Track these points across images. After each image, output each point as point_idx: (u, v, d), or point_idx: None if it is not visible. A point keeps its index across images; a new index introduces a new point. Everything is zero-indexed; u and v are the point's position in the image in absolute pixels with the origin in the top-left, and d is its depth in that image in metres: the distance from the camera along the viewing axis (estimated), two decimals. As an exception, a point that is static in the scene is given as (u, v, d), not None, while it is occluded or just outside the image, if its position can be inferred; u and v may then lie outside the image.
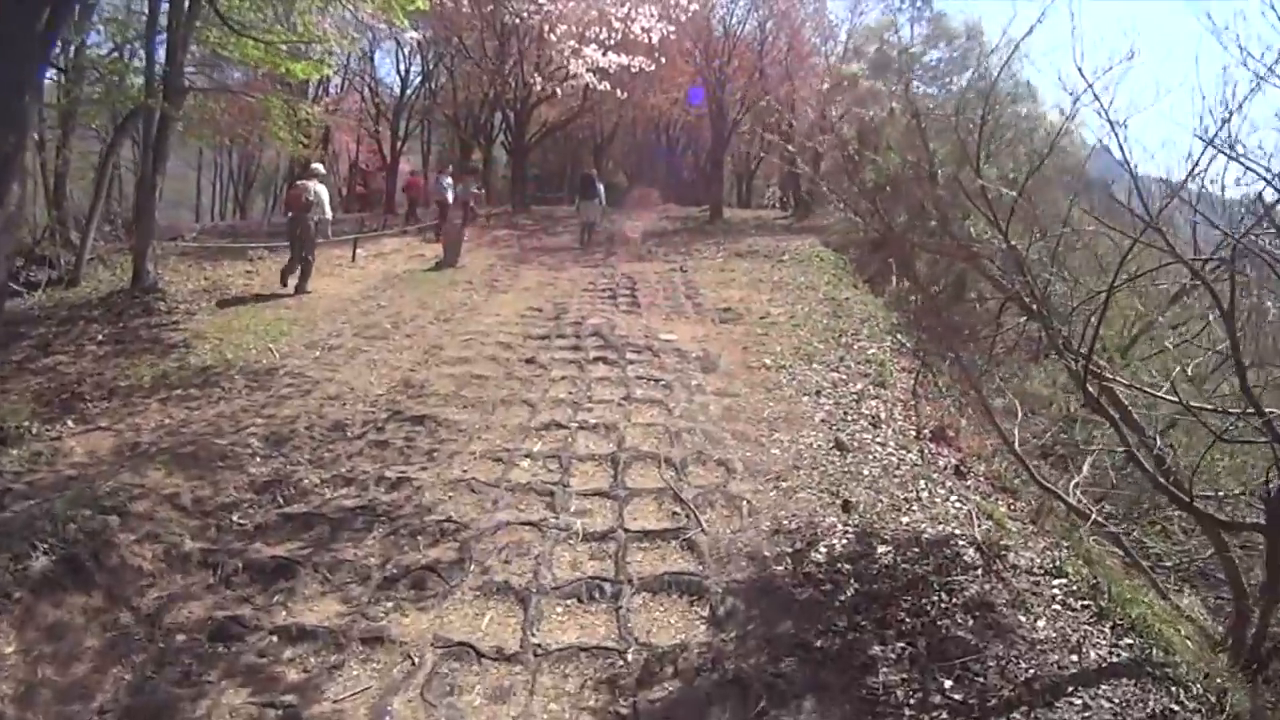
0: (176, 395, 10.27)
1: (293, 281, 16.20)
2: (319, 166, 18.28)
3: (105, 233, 24.29)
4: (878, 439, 9.13)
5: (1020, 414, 8.34)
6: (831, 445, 8.72)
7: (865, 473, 8.09)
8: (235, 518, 7.17)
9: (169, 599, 6.00)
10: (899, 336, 13.98)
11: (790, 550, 6.44)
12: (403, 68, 42.34)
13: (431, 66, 41.90)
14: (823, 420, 9.50)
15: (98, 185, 17.49)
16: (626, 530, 6.76)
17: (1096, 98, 6.27)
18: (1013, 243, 7.18)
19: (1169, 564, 9.43)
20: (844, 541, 6.55)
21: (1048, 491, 7.36)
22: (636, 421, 9.20)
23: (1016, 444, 7.57)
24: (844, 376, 11.27)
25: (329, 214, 16.94)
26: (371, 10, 15.07)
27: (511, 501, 7.30)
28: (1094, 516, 6.93)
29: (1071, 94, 6.47)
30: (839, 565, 6.19)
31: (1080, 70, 6.36)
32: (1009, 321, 9.37)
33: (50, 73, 18.13)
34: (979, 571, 6.03)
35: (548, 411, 9.52)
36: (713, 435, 8.84)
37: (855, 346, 12.86)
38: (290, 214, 16.64)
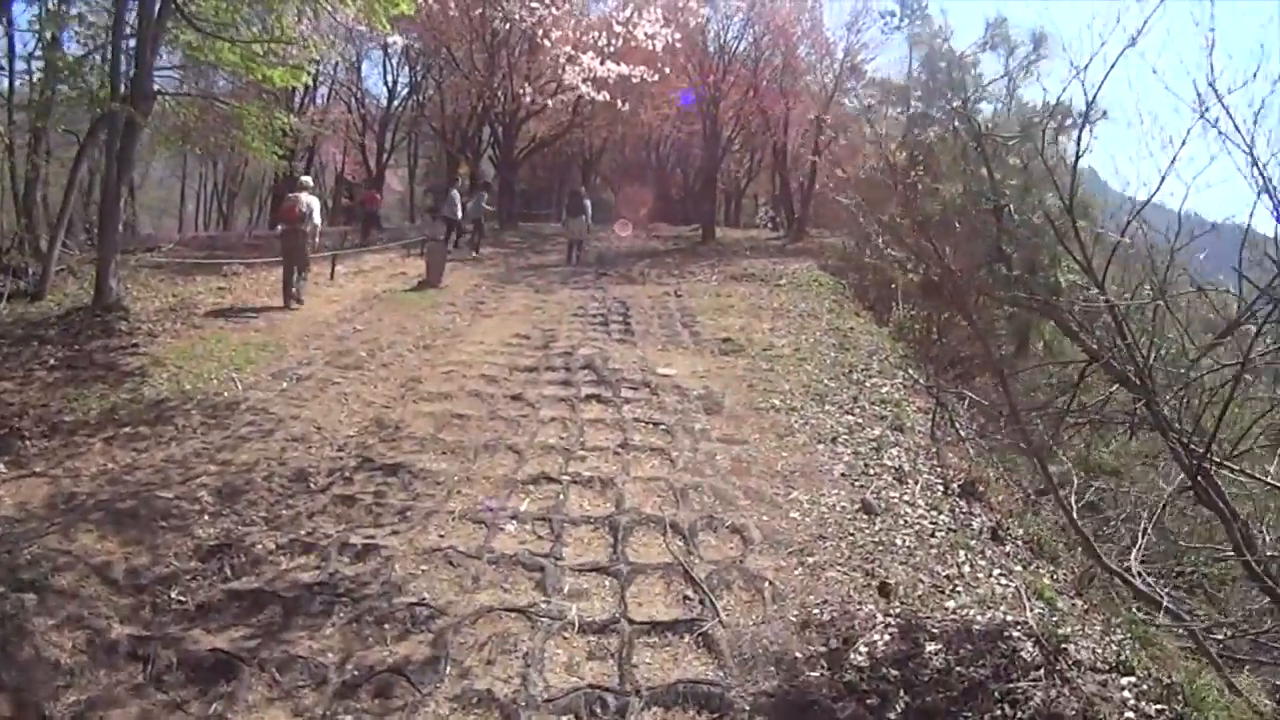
0: (124, 434, 9.30)
1: (300, 293, 16.14)
2: (308, 179, 18.31)
3: (80, 242, 23.84)
4: (905, 497, 8.24)
5: (1075, 481, 7.41)
6: (857, 507, 7.83)
7: (898, 542, 7.17)
8: (174, 594, 6.24)
9: (88, 704, 5.03)
10: (910, 372, 13.23)
11: (825, 650, 5.50)
12: (390, 79, 41.69)
13: (419, 78, 41.28)
14: (843, 474, 8.60)
15: (66, 193, 16.48)
16: (631, 621, 5.77)
17: (1236, 126, 5.22)
18: (1109, 298, 6.17)
19: (1220, 636, 8.50)
20: (886, 638, 5.60)
21: (1120, 579, 6.40)
22: (636, 474, 8.24)
23: (1074, 512, 6.64)
24: (859, 420, 10.36)
25: (318, 223, 16.65)
26: (353, 13, 14.18)
27: (495, 578, 6.32)
28: (1165, 603, 6.03)
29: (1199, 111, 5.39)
30: (884, 670, 5.24)
31: (1214, 89, 5.30)
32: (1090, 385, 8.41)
33: (20, 75, 17.58)
34: (1040, 672, 5.13)
35: (536, 460, 8.56)
36: (723, 493, 7.88)
37: (867, 384, 12.01)
38: (283, 227, 16.67)
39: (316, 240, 17.00)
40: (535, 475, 8.16)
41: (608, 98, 16.03)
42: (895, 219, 9.11)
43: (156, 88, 14.84)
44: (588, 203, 25.87)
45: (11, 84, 18.12)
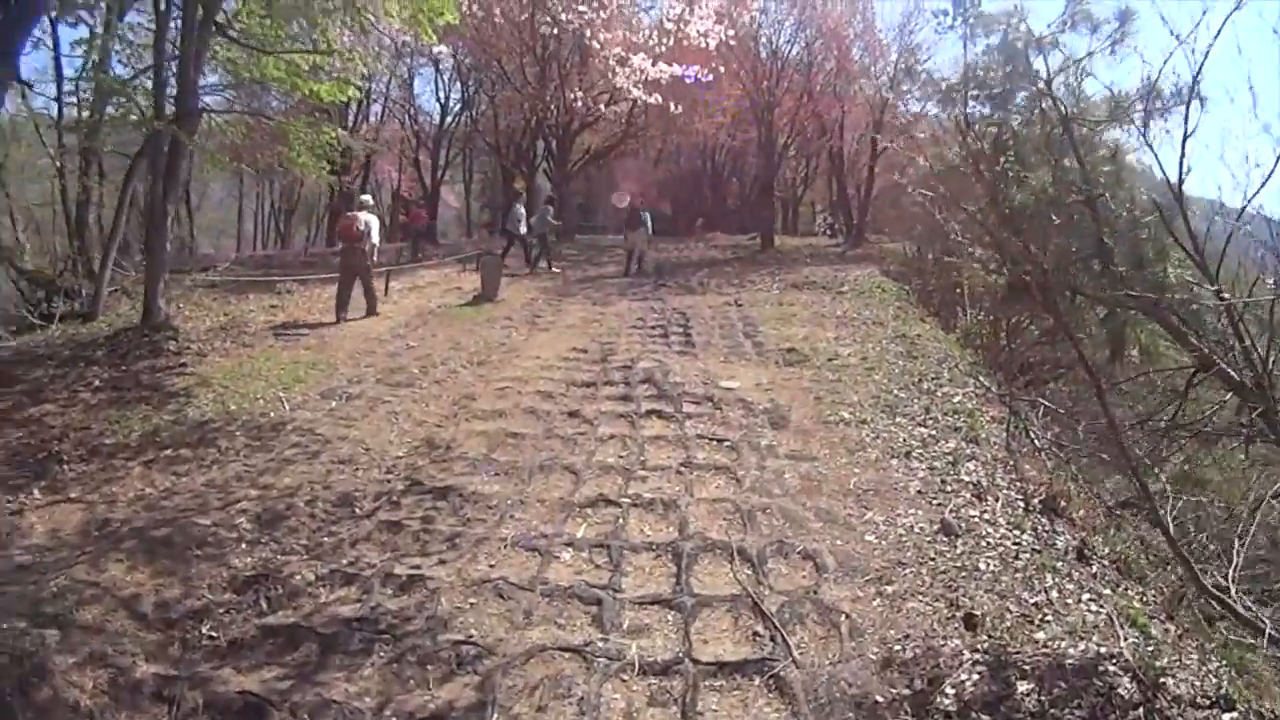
0: (165, 457, 9.00)
1: (356, 310, 16.15)
2: (367, 198, 18.43)
3: (135, 263, 23.87)
4: (985, 515, 7.57)
5: (1170, 497, 6.71)
6: (936, 527, 7.20)
7: (982, 566, 6.56)
8: (205, 629, 5.85)
9: (104, 752, 4.55)
10: (981, 380, 12.44)
11: (909, 692, 4.93)
12: (442, 95, 41.56)
13: (471, 93, 41.05)
14: (919, 492, 7.96)
15: (117, 213, 16.38)
16: (696, 661, 5.22)
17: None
18: (1226, 296, 5.47)
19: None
20: (975, 677, 5.01)
21: (1219, 603, 5.71)
22: (700, 496, 7.67)
23: (1171, 530, 5.97)
24: (933, 433, 9.67)
25: (376, 241, 16.61)
26: (398, 24, 13.79)
27: (548, 613, 5.80)
28: (1269, 629, 5.36)
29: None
30: (974, 715, 4.69)
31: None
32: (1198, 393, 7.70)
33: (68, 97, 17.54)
34: (1139, 712, 4.64)
35: (594, 481, 8.02)
36: (793, 515, 7.30)
37: (938, 393, 11.28)
38: (341, 245, 16.57)
39: (375, 259, 16.96)
40: (593, 498, 7.63)
41: (660, 100, 15.42)
42: (978, 213, 8.36)
43: (202, 105, 14.56)
44: (647, 214, 25.41)
45: (60, 107, 18.12)
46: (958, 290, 19.92)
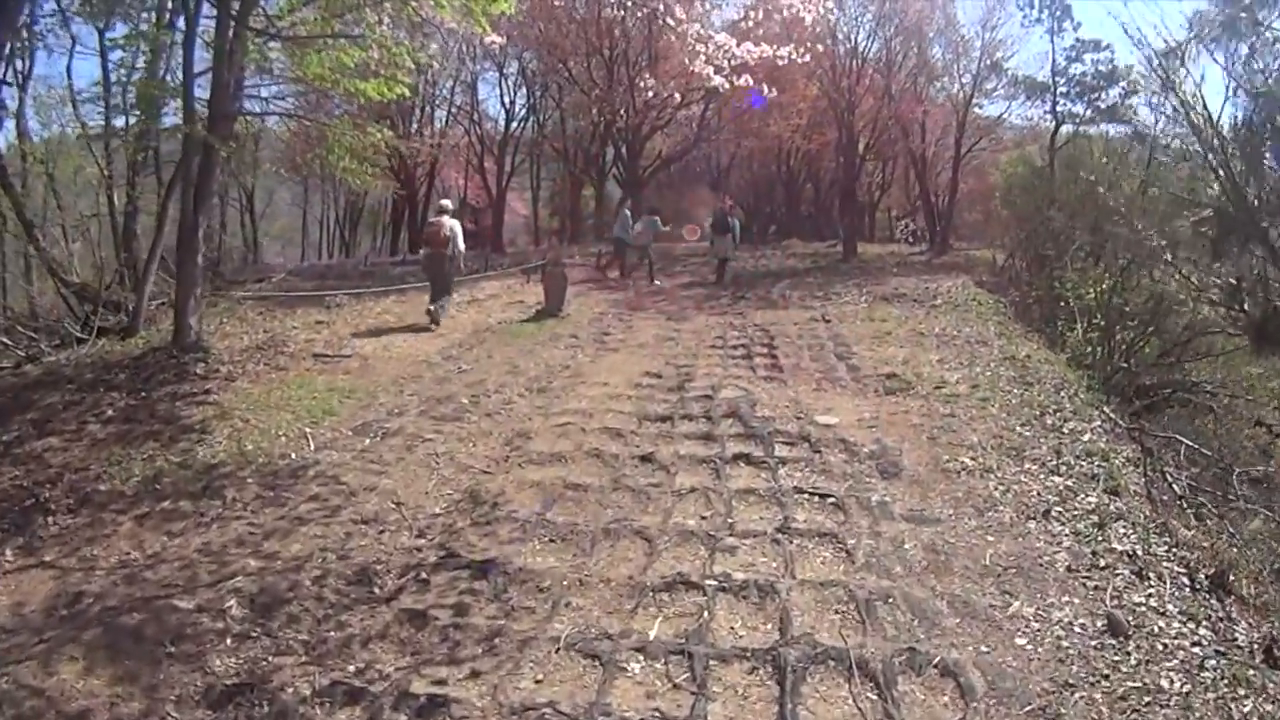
0: (161, 511, 7.65)
1: (440, 317, 15.81)
2: (449, 203, 18.21)
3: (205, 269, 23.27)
4: (1152, 600, 5.94)
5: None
6: (1101, 625, 5.57)
7: (1164, 684, 4.95)
8: (161, 767, 4.27)
9: None
10: (1107, 411, 10.81)
11: None
12: (507, 100, 40.43)
13: (537, 97, 39.94)
14: (1069, 569, 6.31)
15: (158, 224, 15.36)
16: None
17: None
18: None
19: None
20: None
21: None
22: (804, 576, 6.04)
23: None
24: (1069, 483, 7.99)
25: (462, 248, 16.47)
26: (448, 15, 12.38)
27: (611, 762, 4.17)
28: None
29: None
30: None
31: None
32: None
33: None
34: None
35: (671, 553, 6.40)
36: (922, 606, 5.66)
37: (1065, 429, 9.58)
38: (425, 251, 16.55)
39: (461, 265, 16.96)
40: (669, 578, 6.00)
41: (750, 82, 13.86)
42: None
43: (237, 108, 13.33)
44: (734, 220, 24.38)
45: (108, 115, 17.30)
46: (1062, 303, 18.27)
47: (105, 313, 15.49)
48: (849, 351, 12.98)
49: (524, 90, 40.33)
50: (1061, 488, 7.83)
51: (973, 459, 8.37)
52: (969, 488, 7.70)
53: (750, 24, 15.17)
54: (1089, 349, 16.25)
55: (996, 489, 7.70)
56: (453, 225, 16.09)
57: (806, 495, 7.41)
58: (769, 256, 29.30)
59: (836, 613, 5.58)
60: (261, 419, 9.79)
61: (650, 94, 28.49)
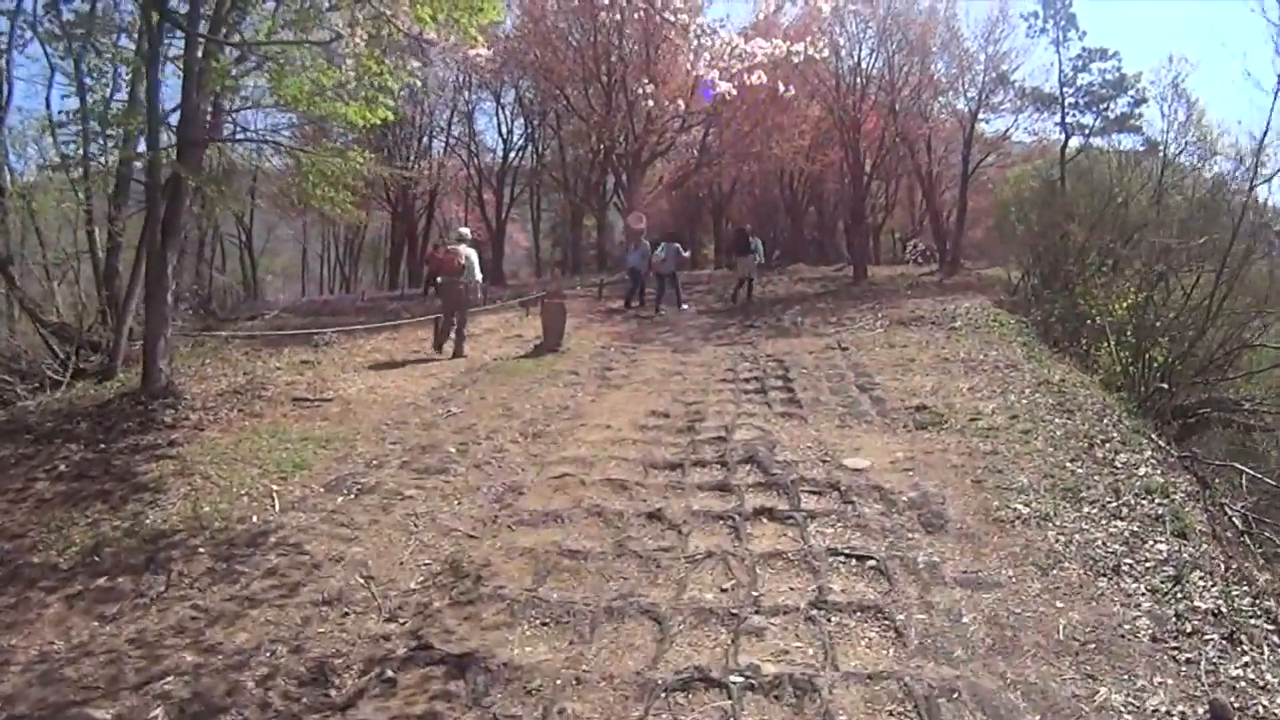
0: (97, 589, 6.63)
1: (449, 348, 15.64)
2: (466, 231, 17.56)
3: (182, 312, 22.50)
4: (1250, 673, 4.98)
5: None
6: (1204, 715, 4.59)
7: None
8: None
9: None
10: (1153, 437, 9.98)
11: None
12: (504, 129, 39.78)
13: (535, 125, 39.26)
14: (1154, 637, 5.33)
15: (136, 261, 14.40)
16: None
17: None
18: None
19: None
20: None
21: None
22: (848, 666, 5.00)
23: None
24: (1134, 528, 6.99)
25: (479, 277, 16.03)
26: (431, 28, 11.46)
27: None
28: None
29: None
30: None
31: None
32: None
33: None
34: None
35: (686, 638, 5.35)
36: (993, 701, 4.65)
37: (1118, 463, 8.57)
38: (442, 279, 16.03)
39: (479, 295, 16.60)
40: (685, 672, 4.93)
41: (764, 79, 12.83)
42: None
43: (208, 134, 12.45)
44: (756, 240, 24.08)
45: (85, 148, 16.38)
46: (1087, 321, 17.35)
47: (86, 353, 14.73)
48: (872, 382, 11.99)
49: (521, 119, 39.91)
50: (1127, 534, 6.87)
51: (1025, 504, 7.39)
52: (1026, 540, 6.70)
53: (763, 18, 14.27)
54: (1121, 368, 15.32)
55: (1057, 540, 6.72)
56: (469, 253, 15.64)
57: (843, 558, 6.38)
58: (776, 282, 28.26)
59: (891, 715, 4.55)
60: (225, 475, 8.76)
61: (650, 102, 27.58)
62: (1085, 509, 7.33)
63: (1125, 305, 17.02)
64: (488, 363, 14.93)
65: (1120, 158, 26.88)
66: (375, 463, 9.14)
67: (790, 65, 10.57)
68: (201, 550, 7.06)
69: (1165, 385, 14.97)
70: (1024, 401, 10.77)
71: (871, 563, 6.27)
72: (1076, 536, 6.77)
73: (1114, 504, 7.44)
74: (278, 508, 7.93)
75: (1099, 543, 6.67)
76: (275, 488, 8.43)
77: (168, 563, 6.86)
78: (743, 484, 7.89)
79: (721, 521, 7.11)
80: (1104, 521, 7.09)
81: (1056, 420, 9.96)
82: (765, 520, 7.11)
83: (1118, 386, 14.06)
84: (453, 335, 15.72)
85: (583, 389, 12.53)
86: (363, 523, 7.50)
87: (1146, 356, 15.54)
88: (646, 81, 24.02)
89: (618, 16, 26.22)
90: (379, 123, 12.75)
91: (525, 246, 51.13)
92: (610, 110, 30.07)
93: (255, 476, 8.72)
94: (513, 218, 44.67)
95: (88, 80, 15.50)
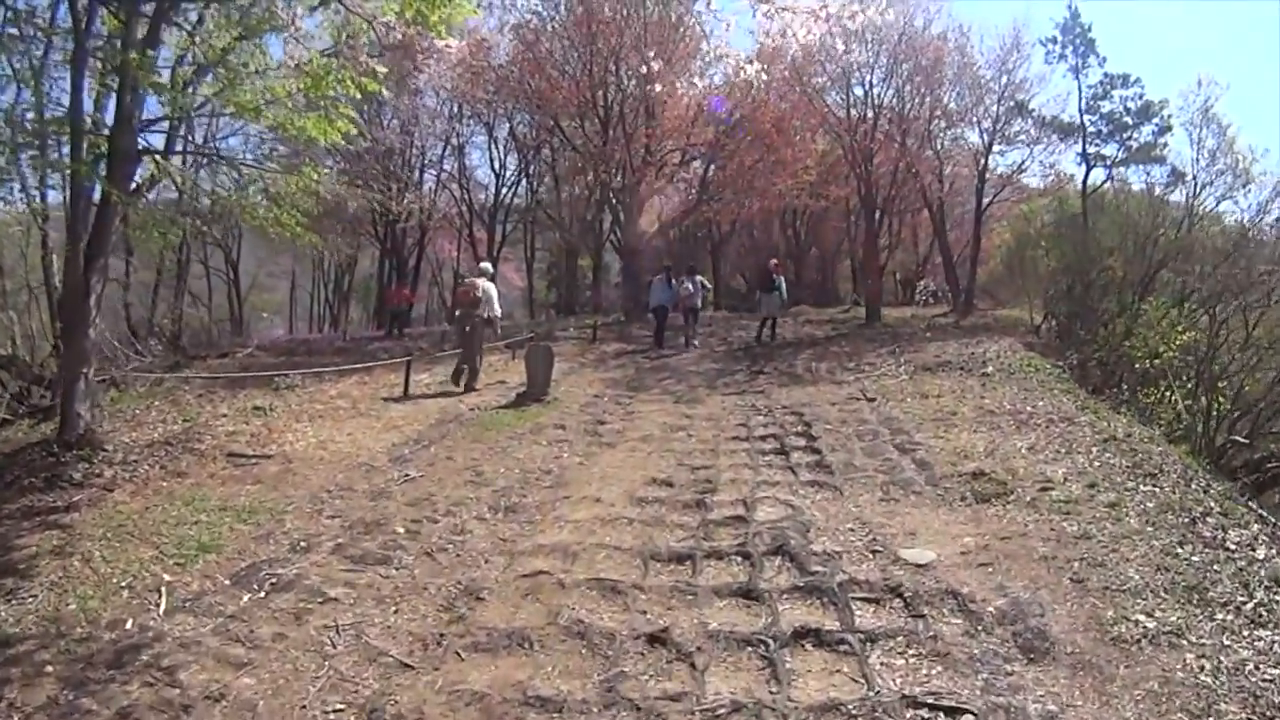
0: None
1: (464, 380, 15.19)
2: (487, 265, 17.27)
3: (151, 348, 22.36)
4: None
5: None
6: None
7: None
8: None
9: None
10: (1253, 506, 8.22)
11: None
12: (497, 164, 38.31)
13: (529, 158, 37.79)
14: None
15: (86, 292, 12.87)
16: None
17: None
18: None
19: None
20: None
21: None
22: None
23: None
24: (1280, 636, 5.23)
25: (498, 311, 15.70)
26: (392, 17, 9.75)
27: None
28: None
29: None
30: None
31: None
32: None
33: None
34: None
35: None
36: None
37: (1229, 543, 6.80)
38: (458, 312, 15.88)
39: (497, 329, 16.11)
40: None
41: (786, 74, 11.23)
42: None
43: (142, 146, 10.72)
44: (780, 279, 22.82)
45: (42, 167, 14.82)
46: (1134, 364, 15.70)
47: (39, 390, 14.09)
48: (911, 441, 10.15)
49: (515, 154, 38.54)
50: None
51: (1147, 613, 5.59)
52: (1162, 670, 4.93)
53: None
54: (1188, 418, 13.62)
55: (1201, 667, 4.98)
56: (486, 287, 15.25)
57: (926, 712, 4.50)
58: (781, 324, 26.36)
59: None
60: (112, 557, 6.92)
61: (657, 86, 26.14)
62: (1219, 615, 5.56)
63: (1175, 345, 15.46)
64: (462, 413, 13.04)
65: (1150, 188, 25.48)
66: (302, 545, 7.27)
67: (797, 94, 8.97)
68: (49, 669, 5.24)
69: (1245, 440, 13.26)
70: (1095, 464, 9.00)
71: (970, 716, 4.42)
72: (1222, 659, 5.00)
73: (1249, 604, 5.71)
74: (163, 609, 6.07)
75: (1251, 667, 4.91)
76: (168, 578, 6.59)
77: (4, 680, 5.04)
78: (774, 587, 5.97)
79: (749, 649, 5.18)
80: (1245, 632, 5.35)
81: (1141, 488, 8.18)
82: (809, 647, 5.21)
83: (1179, 438, 12.43)
84: (466, 370, 15.17)
85: (569, 448, 10.66)
86: (265, 637, 5.59)
87: (1211, 403, 13.83)
88: (653, 58, 22.68)
89: (615, 42, 24.98)
90: (340, 138, 11.19)
91: (520, 286, 49.57)
92: (607, 142, 28.53)
93: (148, 561, 6.88)
94: (506, 257, 43.15)
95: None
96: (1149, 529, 7.04)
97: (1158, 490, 8.07)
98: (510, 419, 12.51)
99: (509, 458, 10.12)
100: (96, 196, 10.18)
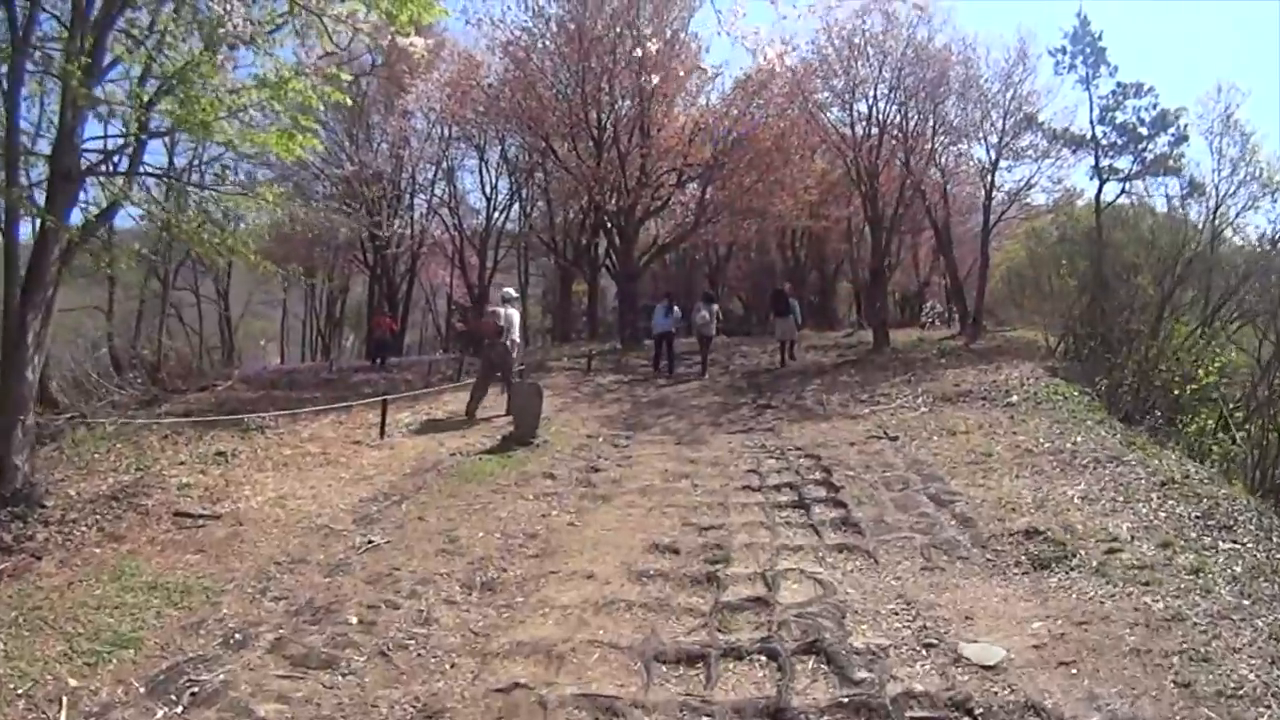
0: None
1: (489, 410, 15.03)
2: (511, 290, 16.65)
3: (131, 380, 21.93)
4: None
5: None
6: None
7: None
8: None
9: None
10: None
11: None
12: (489, 188, 37.37)
13: (521, 179, 37.21)
14: None
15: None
16: None
17: None
18: None
19: None
20: None
21: None
22: None
23: None
24: None
25: (519, 339, 15.58)
26: (364, 12, 8.70)
27: None
28: None
29: None
30: None
31: None
32: None
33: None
34: None
35: None
36: None
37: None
38: (486, 341, 15.61)
39: (516, 355, 15.69)
40: None
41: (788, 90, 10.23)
42: None
43: (86, 165, 9.63)
44: (794, 301, 22.94)
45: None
46: (1174, 393, 14.71)
47: None
48: (947, 490, 9.00)
49: (507, 177, 37.92)
50: None
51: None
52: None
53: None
54: (1233, 453, 12.58)
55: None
56: (509, 313, 15.02)
57: None
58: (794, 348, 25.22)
59: None
60: (18, 650, 5.70)
61: (651, 84, 25.15)
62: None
63: (1214, 368, 14.50)
64: (442, 459, 11.79)
65: (1170, 202, 24.58)
66: (237, 638, 6.04)
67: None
68: None
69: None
70: (1161, 515, 7.88)
71: None
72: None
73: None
74: (59, 726, 4.91)
75: None
76: (74, 683, 5.39)
77: None
78: (810, 705, 4.72)
79: (786, 806, 4.02)
80: None
81: (1221, 545, 7.07)
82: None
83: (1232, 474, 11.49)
84: (501, 394, 15.14)
85: (559, 503, 9.44)
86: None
87: (1266, 435, 12.76)
88: (650, 59, 22.00)
89: (608, 60, 24.15)
90: (301, 154, 10.20)
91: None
92: (601, 163, 27.57)
93: (55, 658, 5.68)
94: (499, 284, 42.18)
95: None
96: (1246, 603, 5.91)
97: (1240, 548, 6.97)
98: (494, 466, 11.29)
99: (489, 517, 8.91)
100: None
